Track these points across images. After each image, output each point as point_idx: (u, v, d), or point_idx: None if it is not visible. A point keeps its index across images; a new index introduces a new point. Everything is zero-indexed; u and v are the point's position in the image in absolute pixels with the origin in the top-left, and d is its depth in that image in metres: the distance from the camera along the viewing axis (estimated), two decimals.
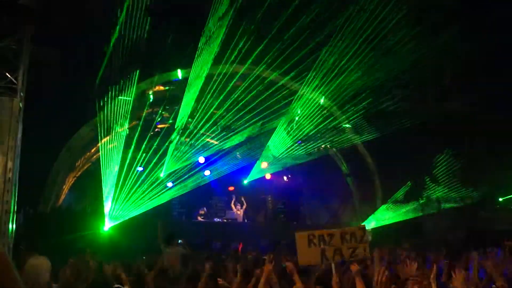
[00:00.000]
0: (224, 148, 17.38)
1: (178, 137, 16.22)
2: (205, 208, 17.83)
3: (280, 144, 17.47)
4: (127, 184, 15.58)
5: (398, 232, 16.64)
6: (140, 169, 16.12)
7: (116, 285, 6.22)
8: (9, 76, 7.67)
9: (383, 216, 17.99)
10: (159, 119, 16.33)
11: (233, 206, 18.27)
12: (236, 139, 17.32)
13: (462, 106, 16.70)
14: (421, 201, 17.70)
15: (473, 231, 16.57)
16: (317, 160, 17.87)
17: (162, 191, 16.29)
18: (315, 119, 17.03)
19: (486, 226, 16.91)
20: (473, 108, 16.48)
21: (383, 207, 18.09)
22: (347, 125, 17.71)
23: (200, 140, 16.92)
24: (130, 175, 15.85)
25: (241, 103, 16.16)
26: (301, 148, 17.80)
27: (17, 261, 7.03)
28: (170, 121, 16.10)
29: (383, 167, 18.31)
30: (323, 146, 18.19)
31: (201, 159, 17.05)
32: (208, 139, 17.19)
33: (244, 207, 18.29)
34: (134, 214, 15.38)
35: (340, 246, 6.27)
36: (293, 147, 17.74)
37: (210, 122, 16.53)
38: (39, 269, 5.16)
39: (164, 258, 9.80)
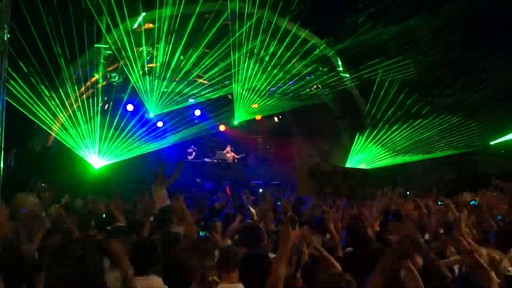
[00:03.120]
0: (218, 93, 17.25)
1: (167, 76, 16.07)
2: (193, 146, 17.77)
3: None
4: (117, 124, 15.53)
5: (388, 176, 16.75)
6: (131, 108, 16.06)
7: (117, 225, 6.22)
8: None
9: (373, 159, 18.04)
10: (147, 58, 16.00)
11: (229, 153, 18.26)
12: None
13: (456, 51, 16.50)
14: (413, 144, 17.63)
15: (463, 174, 16.69)
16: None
17: (154, 135, 16.25)
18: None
19: (476, 169, 17.05)
20: (467, 52, 16.31)
21: (374, 150, 18.11)
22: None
23: (190, 81, 16.73)
24: (119, 115, 15.78)
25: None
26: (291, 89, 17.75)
27: (6, 196, 7.03)
28: (159, 60, 15.79)
29: (374, 110, 18.20)
30: (315, 87, 18.05)
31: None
32: (198, 79, 16.96)
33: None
34: (125, 157, 15.39)
35: (340, 184, 6.21)
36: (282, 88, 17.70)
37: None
38: (24, 203, 5.40)
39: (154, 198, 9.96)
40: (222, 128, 18.49)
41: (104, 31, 14.15)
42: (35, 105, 13.34)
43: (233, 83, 16.85)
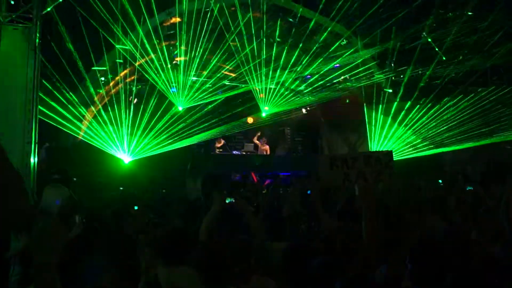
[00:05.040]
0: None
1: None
2: (221, 140, 17.76)
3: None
4: (147, 119, 15.66)
5: (417, 165, 16.47)
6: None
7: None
8: (24, 4, 7.51)
9: (402, 150, 17.74)
10: (176, 52, 16.09)
11: (257, 141, 18.18)
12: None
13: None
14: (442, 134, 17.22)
15: (493, 163, 16.26)
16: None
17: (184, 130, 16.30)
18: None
19: (508, 158, 16.57)
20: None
21: (403, 140, 17.82)
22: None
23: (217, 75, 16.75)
24: (149, 109, 15.91)
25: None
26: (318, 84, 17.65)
27: (41, 190, 7.17)
28: (187, 53, 15.86)
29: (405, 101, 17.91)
30: (342, 78, 17.90)
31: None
32: (226, 72, 16.97)
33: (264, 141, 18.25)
34: (154, 152, 15.51)
35: (363, 169, 5.96)
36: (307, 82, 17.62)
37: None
38: (52, 194, 5.61)
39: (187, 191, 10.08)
40: (250, 120, 18.38)
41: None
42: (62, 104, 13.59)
43: (247, 78, 16.82)
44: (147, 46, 15.13)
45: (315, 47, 16.71)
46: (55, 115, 13.40)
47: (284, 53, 16.64)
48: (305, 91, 17.71)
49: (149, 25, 14.82)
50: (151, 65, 15.55)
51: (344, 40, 17.04)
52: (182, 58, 15.98)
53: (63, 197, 5.92)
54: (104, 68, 15.16)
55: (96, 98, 14.83)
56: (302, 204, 6.78)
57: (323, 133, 19.99)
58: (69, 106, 13.80)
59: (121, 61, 15.27)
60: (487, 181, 11.26)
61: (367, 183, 5.83)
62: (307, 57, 16.76)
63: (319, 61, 16.92)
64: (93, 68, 14.59)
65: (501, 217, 4.55)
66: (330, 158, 6.12)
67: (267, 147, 18.02)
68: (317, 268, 3.42)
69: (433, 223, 5.60)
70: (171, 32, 15.76)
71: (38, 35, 7.68)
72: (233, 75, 16.93)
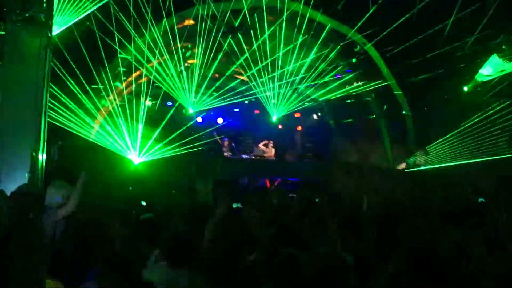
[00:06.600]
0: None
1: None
2: (225, 141, 17.84)
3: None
4: (158, 121, 15.69)
5: (426, 178, 16.26)
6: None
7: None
8: (35, 3, 7.54)
9: (413, 161, 17.52)
10: (188, 54, 16.12)
11: (263, 147, 18.13)
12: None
13: None
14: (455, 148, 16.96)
15: (506, 177, 15.95)
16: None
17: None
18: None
19: None
20: None
21: (415, 151, 17.63)
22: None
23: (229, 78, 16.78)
24: (159, 111, 15.93)
25: None
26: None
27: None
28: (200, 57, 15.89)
29: (418, 111, 17.75)
30: (355, 83, 17.82)
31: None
32: (237, 76, 17.00)
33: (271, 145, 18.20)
34: (165, 155, 15.51)
35: (377, 182, 5.88)
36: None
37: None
38: (53, 192, 5.75)
39: (197, 194, 10.07)
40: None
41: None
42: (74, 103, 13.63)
43: (250, 83, 16.79)
44: (155, 50, 15.12)
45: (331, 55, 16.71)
46: (64, 118, 13.43)
47: (294, 56, 16.64)
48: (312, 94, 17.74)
49: (154, 31, 14.81)
50: (163, 67, 15.59)
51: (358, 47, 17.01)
52: (195, 61, 15.99)
53: (64, 195, 5.99)
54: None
55: (107, 99, 14.88)
56: (307, 211, 6.71)
57: (334, 140, 19.89)
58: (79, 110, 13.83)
59: (125, 69, 15.30)
60: (501, 196, 11.08)
61: (378, 196, 5.74)
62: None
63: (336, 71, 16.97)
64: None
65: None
66: (346, 166, 6.08)
67: (272, 151, 17.96)
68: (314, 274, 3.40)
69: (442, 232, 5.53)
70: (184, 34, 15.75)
71: (49, 33, 7.71)
72: (245, 78, 16.94)
